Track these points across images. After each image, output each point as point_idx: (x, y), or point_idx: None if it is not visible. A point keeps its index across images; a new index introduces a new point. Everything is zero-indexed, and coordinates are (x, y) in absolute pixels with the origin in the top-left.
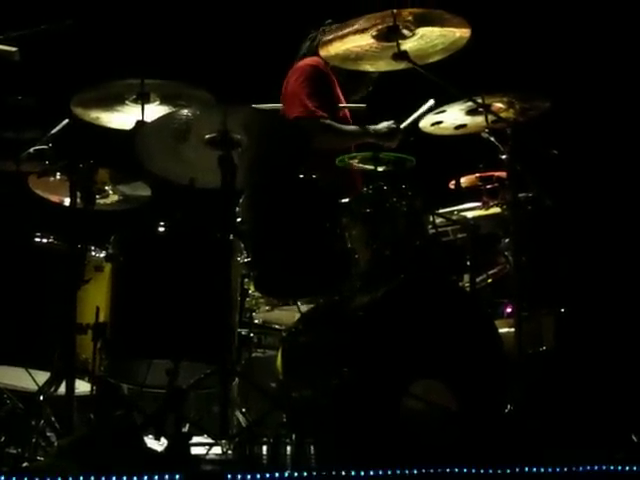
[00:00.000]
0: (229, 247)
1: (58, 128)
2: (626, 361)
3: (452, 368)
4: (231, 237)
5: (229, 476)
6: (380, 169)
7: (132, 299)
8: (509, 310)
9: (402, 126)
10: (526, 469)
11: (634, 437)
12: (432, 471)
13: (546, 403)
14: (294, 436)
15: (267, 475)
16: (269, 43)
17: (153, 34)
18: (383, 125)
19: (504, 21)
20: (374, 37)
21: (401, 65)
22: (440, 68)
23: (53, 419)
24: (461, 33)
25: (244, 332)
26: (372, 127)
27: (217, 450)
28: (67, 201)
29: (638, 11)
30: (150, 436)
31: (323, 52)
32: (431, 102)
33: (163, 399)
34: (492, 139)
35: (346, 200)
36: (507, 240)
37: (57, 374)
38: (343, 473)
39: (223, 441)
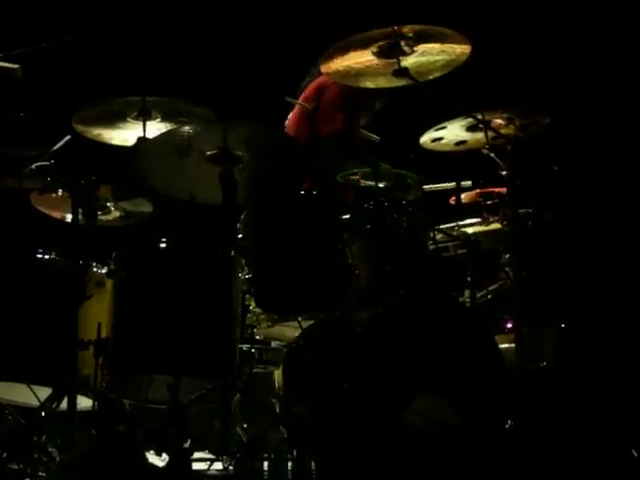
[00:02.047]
0: (230, 263)
1: (60, 144)
2: (626, 376)
3: (453, 384)
4: (232, 253)
5: None
6: (381, 185)
7: (134, 315)
8: (510, 326)
9: None
10: None
11: (634, 452)
12: None
13: (547, 419)
14: (295, 452)
15: None
16: (269, 60)
17: (155, 51)
18: None
19: (504, 38)
20: (375, 54)
21: (402, 82)
22: (440, 84)
23: (55, 435)
24: (462, 49)
25: (245, 348)
26: None
27: (218, 466)
28: (69, 217)
29: (637, 29)
30: (151, 451)
31: (324, 68)
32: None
33: (164, 414)
34: (492, 155)
35: (347, 216)
36: (507, 256)
37: (59, 390)
38: None
39: (224, 457)
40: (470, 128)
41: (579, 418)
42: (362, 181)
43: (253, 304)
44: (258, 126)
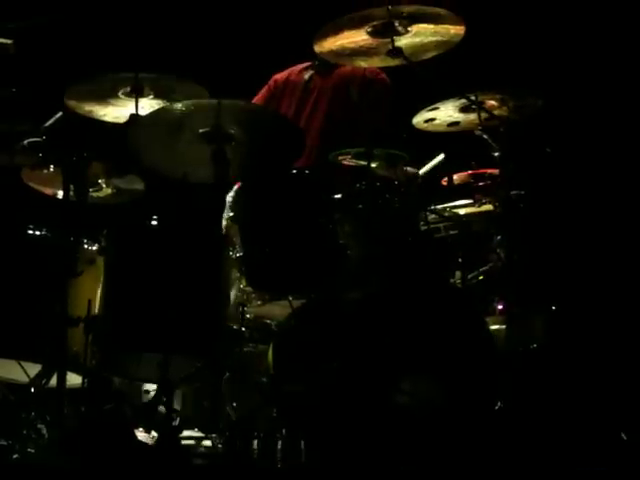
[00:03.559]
0: (221, 242)
1: (52, 121)
2: (617, 359)
3: (443, 365)
4: (223, 231)
5: None
6: (373, 165)
7: (124, 292)
8: (500, 307)
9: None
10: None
11: (624, 435)
12: None
13: (536, 400)
14: (284, 431)
15: None
16: (263, 37)
17: (148, 27)
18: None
19: (498, 19)
20: (369, 33)
21: (395, 62)
22: (434, 65)
23: (44, 411)
24: (455, 30)
25: (235, 326)
26: None
27: (207, 444)
28: (60, 194)
29: (632, 10)
30: (140, 429)
31: (317, 48)
32: (441, 156)
33: (154, 392)
34: (485, 136)
35: (339, 196)
36: (499, 237)
37: (48, 366)
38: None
39: (213, 435)
40: (463, 109)
41: (569, 400)
42: (354, 161)
43: (244, 283)
44: (252, 104)
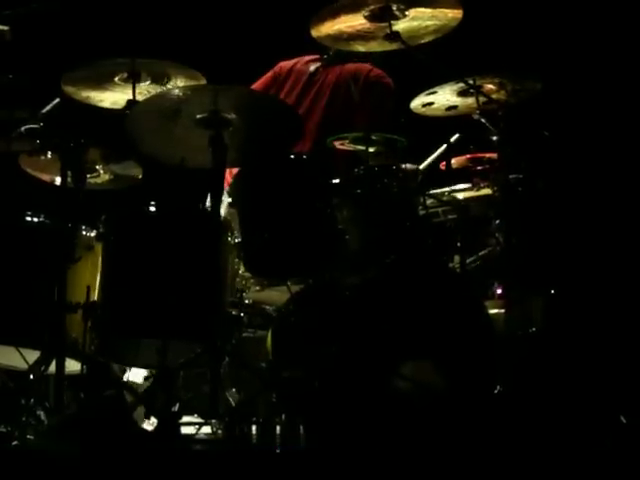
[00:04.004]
0: (219, 227)
1: (49, 107)
2: (615, 342)
3: (442, 349)
4: (222, 217)
5: None
6: (372, 149)
7: (123, 278)
8: (499, 291)
9: (422, 167)
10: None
11: (623, 419)
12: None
13: (536, 384)
14: (284, 416)
15: None
16: (261, 22)
17: (146, 13)
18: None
19: (496, 2)
20: (366, 17)
21: (393, 46)
22: (432, 49)
23: (43, 398)
24: (453, 14)
25: (234, 312)
26: None
27: (207, 429)
28: (58, 180)
29: None
30: (140, 415)
31: (314, 32)
32: (453, 139)
33: (153, 378)
34: (483, 120)
35: (337, 180)
36: (498, 221)
37: (47, 353)
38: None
39: (213, 421)
40: (461, 93)
41: (568, 384)
42: (352, 146)
43: (242, 268)
44: (249, 89)
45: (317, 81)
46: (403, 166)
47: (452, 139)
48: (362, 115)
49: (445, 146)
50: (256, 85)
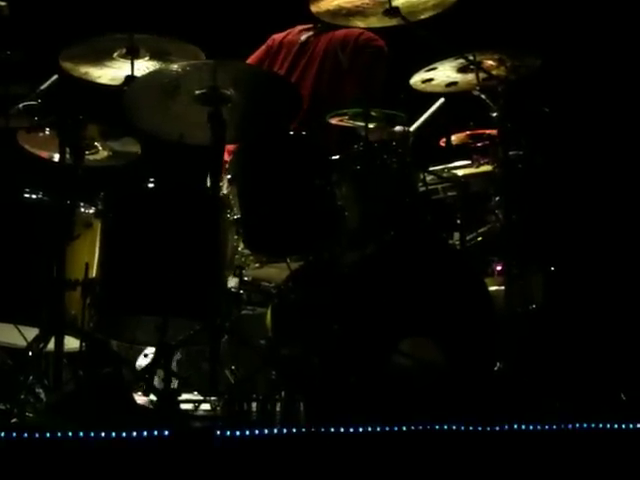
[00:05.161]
0: (219, 203)
1: (47, 83)
2: (615, 319)
3: (441, 326)
4: (221, 193)
5: (218, 433)
6: (371, 125)
7: (121, 255)
8: (499, 268)
9: (412, 129)
10: (515, 427)
11: (623, 395)
12: (421, 428)
13: (535, 361)
14: (283, 393)
15: (256, 432)
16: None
17: None
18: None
19: None
20: None
21: (392, 22)
22: (432, 25)
23: (42, 375)
24: None
25: (234, 289)
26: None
27: (206, 407)
28: (56, 157)
29: None
30: (139, 392)
31: (314, 8)
32: (441, 100)
33: (152, 355)
34: (483, 97)
35: (336, 157)
36: (497, 198)
37: (46, 330)
38: (332, 430)
39: (212, 398)
40: (461, 69)
41: (568, 361)
42: (351, 122)
43: (241, 245)
44: (248, 65)
45: (307, 50)
46: (393, 129)
47: (437, 103)
48: (351, 82)
49: (433, 108)
50: (250, 60)
